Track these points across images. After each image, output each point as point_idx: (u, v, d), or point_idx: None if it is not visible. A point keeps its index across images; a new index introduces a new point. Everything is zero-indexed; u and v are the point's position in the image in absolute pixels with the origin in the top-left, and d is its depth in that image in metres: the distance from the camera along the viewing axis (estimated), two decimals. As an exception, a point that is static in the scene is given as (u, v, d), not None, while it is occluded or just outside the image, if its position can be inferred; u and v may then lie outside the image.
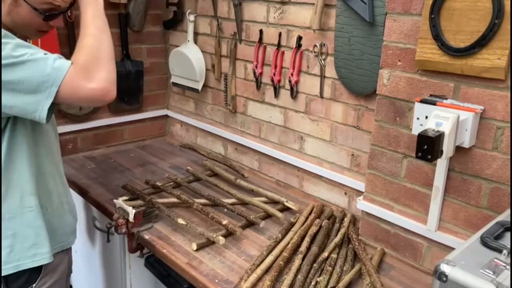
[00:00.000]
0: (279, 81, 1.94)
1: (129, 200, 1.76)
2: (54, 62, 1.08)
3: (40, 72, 1.07)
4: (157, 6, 2.43)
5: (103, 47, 1.18)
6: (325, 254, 1.42)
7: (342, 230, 1.57)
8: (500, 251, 0.92)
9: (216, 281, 1.36)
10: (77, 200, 1.81)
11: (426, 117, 1.28)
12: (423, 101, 1.29)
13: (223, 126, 2.32)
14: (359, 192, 1.70)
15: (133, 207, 1.64)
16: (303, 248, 1.48)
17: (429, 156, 1.18)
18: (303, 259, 1.43)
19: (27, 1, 1.16)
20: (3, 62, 1.04)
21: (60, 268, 1.38)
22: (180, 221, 1.58)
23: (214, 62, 2.23)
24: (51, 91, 1.07)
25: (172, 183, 1.96)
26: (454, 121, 1.20)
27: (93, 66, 1.12)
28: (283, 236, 1.57)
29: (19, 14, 1.17)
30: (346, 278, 1.34)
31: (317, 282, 1.32)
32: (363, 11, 1.53)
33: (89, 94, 1.11)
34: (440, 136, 1.18)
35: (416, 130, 1.32)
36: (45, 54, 1.10)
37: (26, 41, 1.17)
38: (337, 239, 1.51)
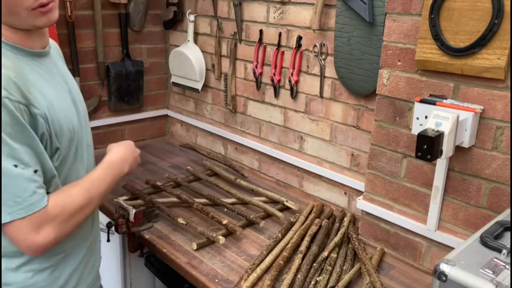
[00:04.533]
0: (279, 81, 1.95)
1: (129, 199, 1.77)
2: (32, 195, 0.97)
3: (16, 192, 0.96)
4: (157, 6, 2.43)
5: (84, 212, 1.10)
6: (325, 253, 1.42)
7: (342, 230, 1.58)
8: (499, 251, 0.92)
9: (216, 280, 1.36)
10: (77, 200, 1.81)
11: (426, 117, 1.28)
12: (422, 101, 1.29)
13: (223, 126, 2.32)
14: (359, 192, 1.70)
15: (133, 206, 1.64)
16: (303, 247, 1.48)
17: (429, 156, 1.18)
18: (303, 258, 1.43)
19: None
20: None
21: None
22: (180, 220, 1.59)
23: (214, 62, 2.23)
24: (6, 215, 0.96)
25: (172, 183, 1.97)
26: (454, 121, 1.20)
27: (59, 224, 1.03)
28: (283, 236, 1.57)
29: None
30: (346, 278, 1.34)
31: (317, 282, 1.32)
32: (363, 11, 1.53)
33: (26, 245, 1.00)
34: (439, 136, 1.18)
35: (415, 130, 1.32)
36: (34, 173, 0.99)
37: (39, 28, 1.05)
38: (337, 238, 1.51)
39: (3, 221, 0.96)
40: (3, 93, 0.94)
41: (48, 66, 1.12)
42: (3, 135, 0.93)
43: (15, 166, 0.95)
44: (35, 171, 0.99)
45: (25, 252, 1.03)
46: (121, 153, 1.28)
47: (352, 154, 1.75)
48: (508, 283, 0.83)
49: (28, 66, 1.05)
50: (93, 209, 1.14)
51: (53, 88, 1.10)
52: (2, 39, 1.02)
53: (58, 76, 1.15)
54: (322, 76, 1.77)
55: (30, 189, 0.97)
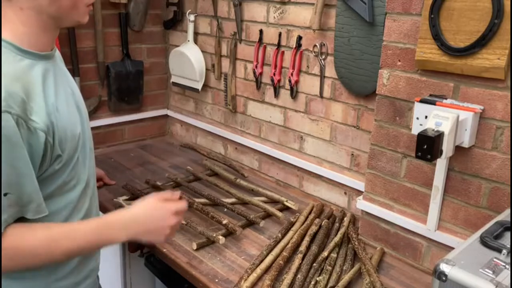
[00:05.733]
0: (279, 81, 1.95)
1: (129, 199, 1.77)
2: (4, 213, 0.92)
3: None
4: (157, 6, 2.43)
5: (38, 260, 1.00)
6: (325, 253, 1.42)
7: (342, 230, 1.58)
8: (499, 251, 0.92)
9: (216, 280, 1.36)
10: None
11: (426, 117, 1.28)
12: (422, 101, 1.29)
13: (223, 126, 2.32)
14: (359, 192, 1.70)
15: (133, 206, 1.64)
16: (303, 247, 1.48)
17: (429, 156, 1.18)
18: (303, 258, 1.43)
19: None
20: None
21: None
22: (180, 220, 1.59)
23: (214, 62, 2.23)
24: None
25: (172, 183, 1.97)
26: (454, 121, 1.20)
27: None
28: (283, 236, 1.57)
29: None
30: (345, 278, 1.34)
31: (316, 282, 1.32)
32: (363, 11, 1.53)
33: None
34: (439, 136, 1.18)
35: (415, 130, 1.32)
36: (3, 196, 0.93)
37: (79, 24, 1.06)
38: (336, 238, 1.51)
39: None
40: (3, 105, 0.90)
41: (54, 69, 1.10)
42: None
43: None
44: (5, 194, 0.93)
45: None
46: (133, 218, 1.10)
47: (352, 154, 1.75)
48: (508, 283, 0.83)
49: (36, 72, 1.03)
50: (51, 261, 1.03)
51: (59, 93, 1.07)
52: (13, 42, 0.99)
53: (64, 78, 1.13)
54: (322, 76, 1.77)
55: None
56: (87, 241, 1.05)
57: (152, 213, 1.12)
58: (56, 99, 1.05)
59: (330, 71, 1.74)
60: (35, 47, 1.03)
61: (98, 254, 1.28)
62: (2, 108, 0.90)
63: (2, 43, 0.98)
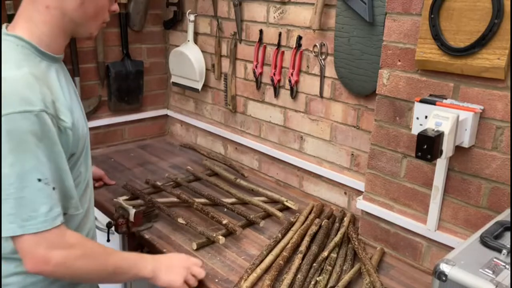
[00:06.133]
0: (279, 81, 1.95)
1: (129, 199, 1.76)
2: (48, 213, 0.95)
3: (33, 206, 0.93)
4: (157, 6, 2.43)
5: (94, 272, 1.07)
6: (325, 253, 1.42)
7: (342, 230, 1.58)
8: (499, 251, 0.92)
9: (216, 280, 1.36)
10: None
11: (426, 117, 1.28)
12: (422, 101, 1.29)
13: (223, 126, 2.32)
14: (359, 192, 1.70)
15: (133, 206, 1.64)
16: (303, 247, 1.48)
17: (429, 156, 1.18)
18: (303, 258, 1.43)
19: None
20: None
21: None
22: (180, 220, 1.59)
23: (214, 62, 2.23)
24: (16, 228, 0.93)
25: (172, 183, 1.97)
26: (454, 121, 1.20)
27: (72, 255, 1.01)
28: (283, 236, 1.57)
29: (95, 2, 1.06)
30: (345, 278, 1.34)
31: (316, 282, 1.32)
32: (363, 11, 1.53)
33: (32, 261, 0.97)
34: (439, 136, 1.18)
35: (415, 130, 1.32)
36: (53, 190, 0.97)
37: (89, 38, 1.13)
38: (336, 238, 1.51)
39: (13, 234, 0.94)
40: (41, 106, 0.94)
41: (63, 71, 1.14)
42: (34, 147, 0.93)
43: (39, 180, 0.94)
44: (54, 189, 0.97)
45: (28, 268, 0.98)
46: (160, 256, 1.25)
47: (352, 154, 1.75)
48: (508, 283, 0.83)
49: (52, 74, 1.06)
50: (100, 272, 1.08)
51: (70, 93, 1.11)
52: (32, 43, 1.02)
53: (69, 80, 1.17)
54: (322, 76, 1.77)
55: (48, 205, 0.95)
56: (122, 263, 1.13)
57: (175, 255, 1.30)
58: (70, 99, 1.09)
59: (330, 71, 1.74)
60: (51, 49, 1.06)
61: None
62: (41, 108, 0.94)
63: (23, 43, 1.01)
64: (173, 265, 1.24)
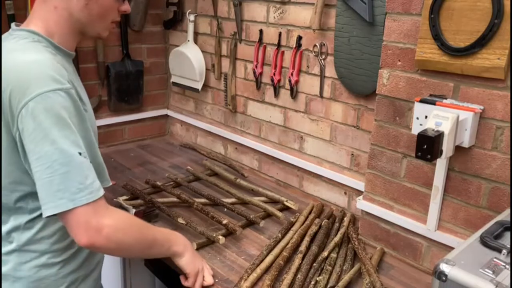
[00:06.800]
0: (279, 80, 1.95)
1: (129, 199, 1.77)
2: (93, 183, 0.98)
3: (79, 179, 0.96)
4: (157, 6, 2.43)
5: (134, 250, 1.13)
6: (325, 253, 1.42)
7: (342, 230, 1.58)
8: (499, 251, 0.92)
9: (216, 280, 1.36)
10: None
11: (426, 116, 1.28)
12: (422, 101, 1.29)
13: (223, 126, 2.32)
14: (359, 192, 1.70)
15: (133, 206, 1.64)
16: (303, 247, 1.48)
17: (429, 156, 1.18)
18: (303, 258, 1.43)
19: None
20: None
21: None
22: (180, 220, 1.59)
23: (214, 62, 2.23)
24: (68, 202, 0.95)
25: (172, 183, 1.97)
26: (454, 120, 1.20)
27: (117, 226, 1.04)
28: (283, 236, 1.57)
29: (100, 2, 1.08)
30: (345, 278, 1.34)
31: (316, 282, 1.32)
32: (363, 11, 1.53)
33: (90, 229, 0.98)
34: (439, 136, 1.18)
35: (415, 129, 1.32)
36: (90, 163, 1.00)
37: (99, 37, 1.16)
38: (336, 238, 1.51)
39: (65, 209, 0.95)
40: (68, 84, 0.98)
41: (73, 69, 1.18)
42: (70, 123, 0.96)
43: (80, 153, 0.97)
44: (90, 162, 1.01)
45: (83, 241, 0.98)
46: (189, 249, 1.28)
47: (352, 154, 1.75)
48: (508, 283, 0.83)
49: (68, 66, 1.11)
50: (141, 245, 1.13)
51: (82, 89, 1.16)
52: (47, 37, 1.06)
53: (79, 78, 1.22)
54: (322, 76, 1.77)
55: (91, 176, 0.99)
56: (159, 236, 1.19)
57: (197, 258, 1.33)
58: (84, 94, 1.15)
59: (330, 71, 1.74)
60: (64, 46, 1.11)
61: None
62: (70, 86, 0.98)
63: (38, 37, 1.05)
64: (196, 255, 1.32)
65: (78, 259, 1.15)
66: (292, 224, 1.65)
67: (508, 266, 0.87)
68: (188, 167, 2.13)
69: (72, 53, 1.14)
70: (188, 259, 1.26)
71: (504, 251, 0.91)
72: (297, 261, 1.41)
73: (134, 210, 1.59)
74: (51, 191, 0.94)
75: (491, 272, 0.86)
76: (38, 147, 0.93)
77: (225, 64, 2.19)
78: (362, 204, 1.58)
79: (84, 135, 1.02)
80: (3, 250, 1.07)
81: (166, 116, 2.66)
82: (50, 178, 0.93)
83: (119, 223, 1.04)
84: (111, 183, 1.18)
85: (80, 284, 1.17)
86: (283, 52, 1.90)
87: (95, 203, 0.98)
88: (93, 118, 1.16)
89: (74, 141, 0.96)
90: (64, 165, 0.94)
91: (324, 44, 1.74)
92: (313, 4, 1.70)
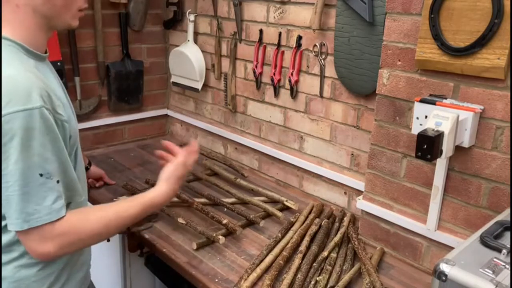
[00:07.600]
0: (279, 80, 1.95)
1: (129, 199, 1.76)
2: (52, 205, 0.99)
3: (36, 200, 0.98)
4: (157, 5, 2.43)
5: (95, 240, 1.12)
6: (325, 253, 1.42)
7: (342, 230, 1.58)
8: (499, 251, 0.92)
9: (216, 280, 1.36)
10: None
11: (426, 116, 1.28)
12: (422, 101, 1.29)
13: (223, 126, 2.32)
14: (359, 192, 1.70)
15: (133, 206, 1.64)
16: (302, 247, 1.48)
17: (429, 156, 1.18)
18: (302, 258, 1.43)
19: None
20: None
21: None
22: (180, 220, 1.59)
23: (214, 62, 2.23)
24: (22, 223, 0.97)
25: (172, 183, 1.96)
26: (454, 120, 1.20)
27: (63, 242, 1.04)
28: (283, 236, 1.57)
29: None
30: (345, 278, 1.34)
31: (316, 281, 1.32)
32: (363, 11, 1.53)
33: (37, 253, 1.02)
34: (439, 136, 1.18)
35: (415, 129, 1.32)
36: (56, 183, 1.01)
37: (70, 27, 1.12)
38: (336, 238, 1.51)
39: (19, 229, 0.98)
40: (40, 102, 0.96)
41: (50, 70, 1.15)
42: (37, 144, 0.96)
43: (41, 175, 0.98)
44: (57, 181, 1.01)
45: (34, 254, 1.04)
46: (172, 191, 1.29)
47: (352, 154, 1.75)
48: (508, 283, 0.83)
49: (44, 70, 1.08)
50: (105, 239, 1.15)
51: (60, 91, 1.13)
52: (19, 42, 1.03)
53: (58, 78, 1.18)
54: (322, 76, 1.77)
55: (50, 198, 0.99)
56: (137, 218, 1.19)
57: (181, 179, 1.36)
58: (63, 97, 1.12)
59: (330, 71, 1.74)
60: (35, 47, 1.07)
61: (89, 248, 1.30)
62: (41, 104, 0.96)
63: (10, 42, 1.02)
64: (177, 189, 1.33)
65: (59, 262, 1.14)
66: (292, 224, 1.65)
67: (508, 266, 0.87)
68: (188, 167, 2.13)
69: (44, 55, 1.10)
70: (170, 188, 1.29)
71: (504, 251, 0.91)
72: (297, 261, 1.41)
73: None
74: (11, 210, 0.97)
75: (491, 272, 0.86)
76: (4, 164, 0.95)
77: (225, 64, 2.19)
78: (362, 204, 1.58)
79: (56, 154, 1.01)
80: None
81: (166, 116, 2.66)
82: (11, 197, 0.96)
83: (64, 248, 1.04)
84: (84, 197, 1.17)
85: (63, 285, 1.16)
86: (283, 52, 1.90)
87: (51, 224, 1.00)
88: (73, 123, 1.13)
89: (37, 162, 0.97)
90: (23, 186, 0.96)
91: (324, 44, 1.74)
92: (313, 4, 1.70)
